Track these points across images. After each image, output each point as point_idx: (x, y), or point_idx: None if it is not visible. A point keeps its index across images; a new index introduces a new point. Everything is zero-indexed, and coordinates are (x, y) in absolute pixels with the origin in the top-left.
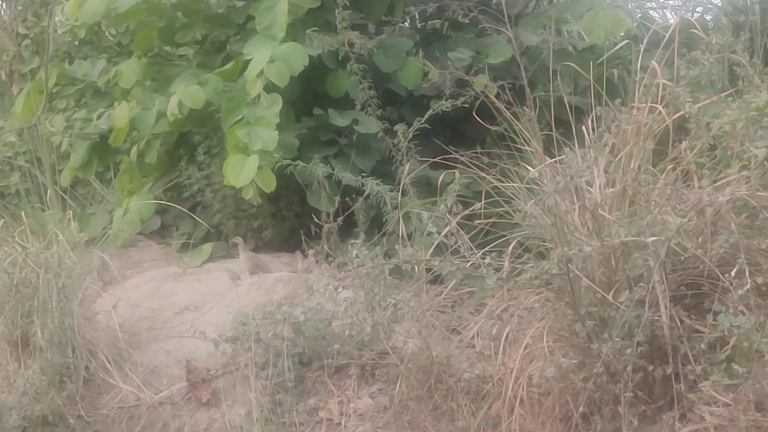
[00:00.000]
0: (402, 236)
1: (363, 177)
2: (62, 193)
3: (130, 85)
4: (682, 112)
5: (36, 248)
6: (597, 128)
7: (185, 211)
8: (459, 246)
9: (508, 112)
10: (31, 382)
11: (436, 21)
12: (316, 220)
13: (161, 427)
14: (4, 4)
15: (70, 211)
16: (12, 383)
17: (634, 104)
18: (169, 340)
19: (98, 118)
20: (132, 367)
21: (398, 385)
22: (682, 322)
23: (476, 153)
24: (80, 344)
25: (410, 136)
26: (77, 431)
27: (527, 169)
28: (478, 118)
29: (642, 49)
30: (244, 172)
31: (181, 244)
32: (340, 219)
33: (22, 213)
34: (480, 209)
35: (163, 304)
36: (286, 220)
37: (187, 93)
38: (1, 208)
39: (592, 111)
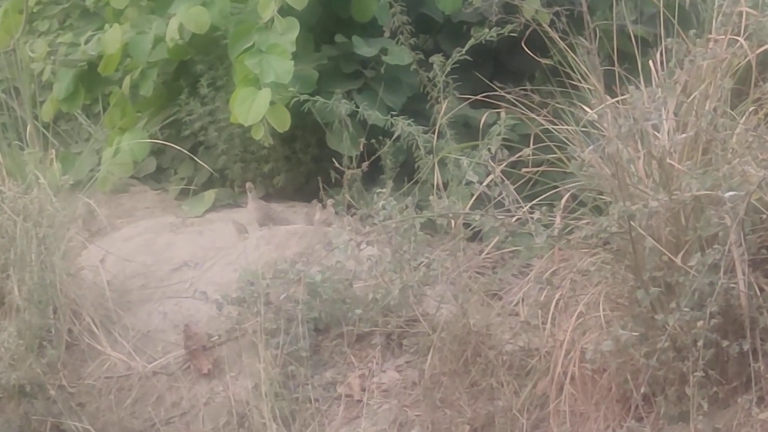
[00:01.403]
0: (436, 186)
1: (392, 116)
2: (43, 129)
3: (124, 5)
4: (767, 46)
5: (13, 192)
6: (666, 63)
7: (185, 152)
8: (503, 198)
9: (562, 43)
10: (6, 346)
11: None
12: (336, 164)
13: (155, 400)
14: None
15: (53, 150)
16: None
17: (710, 36)
18: (164, 300)
19: (86, 42)
20: (122, 331)
21: (429, 357)
22: (762, 290)
23: (524, 90)
24: (63, 304)
25: (448, 69)
26: (59, 403)
27: (584, 109)
28: (527, 50)
29: None
30: (254, 107)
31: (180, 190)
32: (364, 164)
33: None
34: (528, 155)
35: (159, 259)
36: (302, 165)
37: (189, 15)
38: None
39: (660, 43)
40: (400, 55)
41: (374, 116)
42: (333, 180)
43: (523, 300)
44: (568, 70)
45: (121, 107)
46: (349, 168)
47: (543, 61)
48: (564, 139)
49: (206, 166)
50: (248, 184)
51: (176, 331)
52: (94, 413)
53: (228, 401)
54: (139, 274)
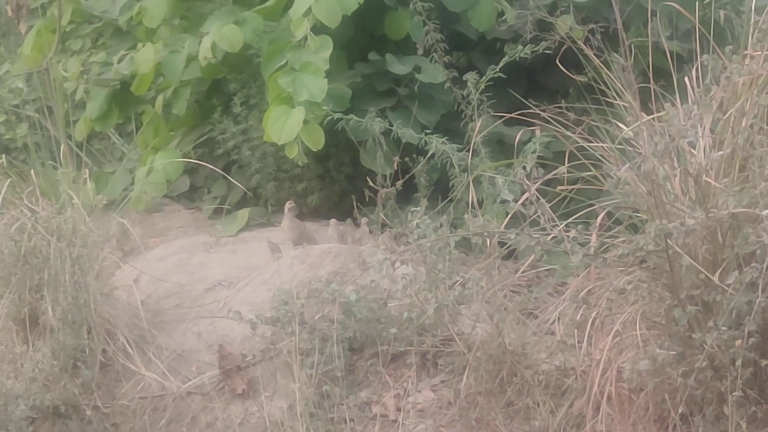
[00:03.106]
0: (471, 204)
1: (426, 134)
2: (77, 149)
3: (156, 24)
4: None
5: (47, 212)
6: (702, 80)
7: (218, 171)
8: (538, 216)
9: (596, 60)
10: (41, 367)
11: None
12: (370, 183)
13: (189, 420)
14: None
15: (86, 170)
16: (19, 368)
17: (746, 52)
18: (198, 320)
19: (119, 61)
20: (156, 351)
21: (465, 376)
22: None
23: (559, 107)
24: (97, 324)
25: (482, 86)
26: (93, 423)
27: (619, 127)
28: (561, 67)
29: None
30: (288, 126)
31: (214, 209)
32: (399, 183)
33: (31, 171)
34: (563, 173)
35: (193, 278)
36: (336, 183)
37: (221, 33)
38: (7, 165)
39: (696, 59)
40: (434, 72)
41: (408, 134)
42: (367, 198)
43: (559, 319)
44: (603, 87)
45: (154, 126)
46: (383, 186)
47: (577, 78)
48: (599, 157)
49: (240, 185)
50: (289, 203)
51: (210, 351)
52: None
53: (263, 421)
54: (173, 293)
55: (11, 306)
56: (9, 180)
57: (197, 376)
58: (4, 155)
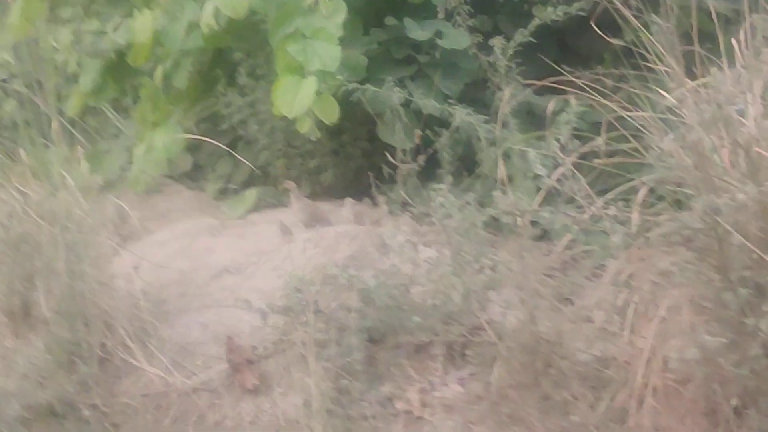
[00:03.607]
0: (500, 180)
1: (449, 104)
2: (69, 126)
3: None
4: None
5: (38, 195)
6: (752, 42)
7: (223, 147)
8: (574, 193)
9: (635, 22)
10: (34, 362)
11: None
12: (389, 158)
13: (196, 419)
14: None
15: (80, 148)
16: (11, 364)
17: None
18: (204, 310)
19: (114, 30)
20: (158, 345)
21: (496, 368)
22: None
23: (595, 74)
24: (94, 316)
25: (510, 52)
26: (92, 424)
27: (661, 94)
28: (596, 29)
29: None
30: (299, 98)
31: (219, 189)
32: (420, 158)
33: (21, 150)
34: (600, 146)
35: (197, 265)
36: (351, 160)
37: None
38: None
39: (744, 20)
40: (457, 38)
41: (430, 105)
42: (385, 176)
43: (597, 304)
44: (643, 51)
45: (152, 100)
46: (403, 162)
47: (614, 41)
48: (640, 127)
49: (247, 163)
50: (290, 183)
51: (218, 343)
52: None
53: (276, 419)
54: (176, 281)
55: (1, 297)
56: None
57: (203, 371)
58: None
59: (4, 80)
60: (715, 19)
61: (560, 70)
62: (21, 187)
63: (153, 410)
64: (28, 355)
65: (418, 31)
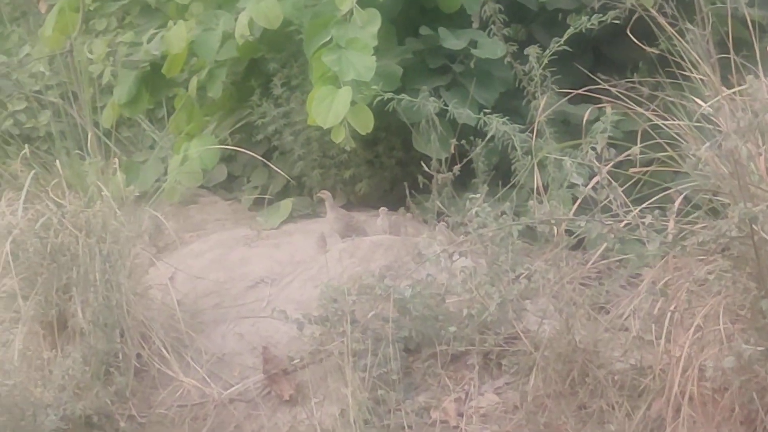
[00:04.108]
0: (536, 189)
1: (484, 114)
2: (104, 137)
3: (188, 0)
4: None
5: (74, 206)
6: None
7: (258, 158)
8: (610, 201)
9: (670, 29)
10: (71, 373)
11: None
12: (424, 168)
13: (233, 429)
14: None
15: (115, 159)
16: (48, 375)
17: None
18: (240, 320)
19: (148, 41)
20: (195, 355)
21: (532, 378)
22: None
23: (630, 82)
24: (130, 326)
25: (545, 61)
26: None
27: (697, 102)
28: (632, 38)
29: None
30: (334, 108)
31: (254, 200)
32: (455, 167)
33: (56, 162)
34: (636, 154)
35: (233, 275)
36: (386, 169)
37: (259, 9)
38: (30, 156)
39: None
40: (492, 47)
41: (465, 115)
42: (421, 185)
43: (634, 313)
44: (678, 60)
45: (187, 111)
46: (438, 172)
47: (649, 50)
48: (675, 136)
49: (282, 173)
50: (325, 193)
51: (254, 354)
52: None
53: (312, 429)
54: (212, 292)
55: (38, 308)
56: (33, 172)
57: (240, 382)
58: (26, 145)
59: (39, 92)
60: (751, 27)
61: (595, 78)
62: (57, 199)
63: (190, 421)
64: (64, 366)
65: (452, 41)
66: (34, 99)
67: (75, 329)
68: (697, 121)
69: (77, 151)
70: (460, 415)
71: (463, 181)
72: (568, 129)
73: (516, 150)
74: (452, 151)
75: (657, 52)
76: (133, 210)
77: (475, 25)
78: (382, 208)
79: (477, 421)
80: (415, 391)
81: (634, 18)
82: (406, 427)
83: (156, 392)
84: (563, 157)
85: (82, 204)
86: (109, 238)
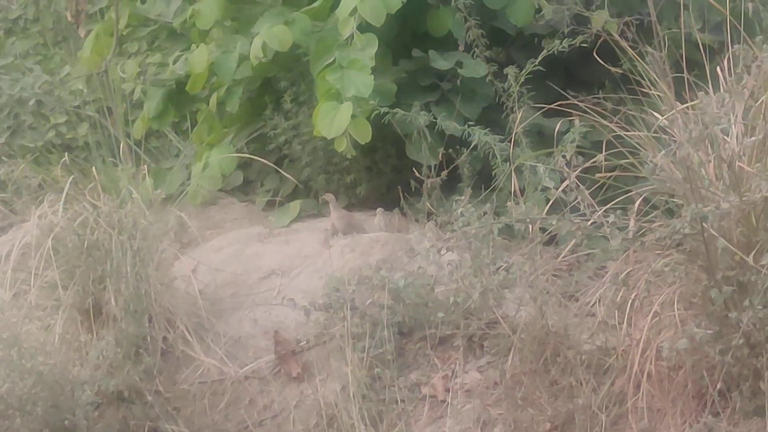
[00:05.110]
0: (513, 192)
1: (469, 126)
2: (135, 147)
3: (209, 26)
4: None
5: (108, 207)
6: (734, 69)
7: (271, 165)
8: (578, 203)
9: (632, 52)
10: (105, 354)
11: None
12: (416, 174)
13: (247, 403)
14: None
15: (145, 166)
16: (84, 356)
17: None
18: (254, 307)
19: (174, 62)
20: (214, 338)
21: (510, 357)
22: None
23: (596, 98)
24: (157, 313)
25: (522, 79)
26: (155, 408)
27: (655, 116)
28: (598, 59)
29: None
30: (337, 121)
31: (267, 201)
32: (443, 173)
33: (93, 168)
34: (601, 161)
35: (248, 268)
36: (383, 175)
37: (271, 34)
38: (70, 164)
39: (727, 50)
40: (475, 67)
41: (451, 127)
42: (413, 189)
43: (599, 301)
44: (638, 78)
45: (208, 124)
46: (428, 177)
47: (613, 69)
48: (636, 145)
49: (291, 178)
50: (329, 195)
51: (266, 337)
52: (189, 417)
53: (317, 403)
54: (230, 282)
55: (76, 297)
56: (72, 177)
57: (254, 361)
58: (66, 154)
59: (77, 106)
60: (702, 50)
61: (566, 95)
62: (93, 201)
63: (210, 396)
64: (99, 348)
65: (441, 62)
66: (73, 113)
67: (108, 315)
68: (655, 132)
69: (111, 159)
70: (447, 390)
71: (450, 185)
72: (542, 139)
73: (496, 158)
74: (440, 159)
75: (620, 71)
76: (160, 211)
77: (461, 47)
78: (379, 208)
79: (462, 396)
80: (407, 370)
81: (599, 42)
82: (400, 401)
83: (180, 371)
84: (537, 164)
85: (115, 205)
86: (138, 235)
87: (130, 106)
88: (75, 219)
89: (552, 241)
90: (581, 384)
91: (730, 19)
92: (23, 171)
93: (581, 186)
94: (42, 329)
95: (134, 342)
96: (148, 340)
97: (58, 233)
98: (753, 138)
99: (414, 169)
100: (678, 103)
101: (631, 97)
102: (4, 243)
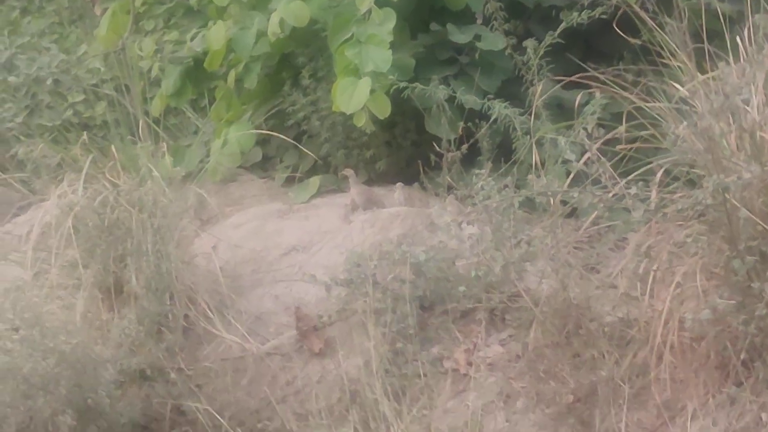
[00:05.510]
0: (534, 165)
1: (488, 99)
2: (153, 124)
3: (226, 2)
4: None
5: (128, 185)
6: (754, 39)
7: (290, 141)
8: (599, 175)
9: (651, 23)
10: (127, 332)
11: None
12: (435, 148)
13: (270, 380)
14: None
15: (163, 144)
16: (106, 334)
17: None
18: (275, 284)
19: (191, 39)
20: (236, 315)
21: (532, 330)
22: None
23: (616, 70)
24: (178, 290)
25: (541, 52)
26: (178, 385)
27: (675, 87)
28: (617, 30)
29: None
30: (355, 96)
31: (286, 177)
32: (463, 147)
33: (112, 147)
34: (622, 133)
35: (268, 244)
36: (402, 149)
37: (289, 9)
38: (89, 142)
39: (747, 20)
40: (494, 40)
41: (471, 100)
42: (433, 163)
43: (621, 273)
44: (658, 49)
45: (227, 100)
46: (448, 151)
47: (633, 41)
48: (657, 116)
49: (310, 154)
50: (348, 170)
51: (288, 313)
52: (212, 394)
53: (340, 379)
54: (250, 259)
55: (97, 276)
56: (91, 156)
57: (276, 338)
58: (85, 133)
59: (95, 85)
60: (722, 20)
61: (586, 67)
62: (113, 179)
63: (232, 372)
64: (121, 326)
65: (459, 35)
66: (91, 92)
67: (130, 294)
68: (676, 103)
69: (130, 137)
70: (470, 364)
71: (470, 159)
72: (562, 112)
73: (516, 131)
74: (460, 133)
75: (640, 42)
76: (179, 188)
77: (479, 21)
78: (398, 183)
79: (484, 369)
80: (429, 344)
81: (619, 13)
82: (422, 375)
83: (202, 348)
84: (558, 137)
85: (134, 183)
86: (159, 213)
87: (147, 84)
88: (95, 198)
89: (573, 213)
90: (603, 356)
91: None
92: (42, 150)
93: (602, 158)
94: (63, 308)
95: (156, 320)
96: (170, 317)
97: (78, 212)
98: None
99: (433, 143)
100: (698, 74)
101: (651, 68)
102: (24, 223)
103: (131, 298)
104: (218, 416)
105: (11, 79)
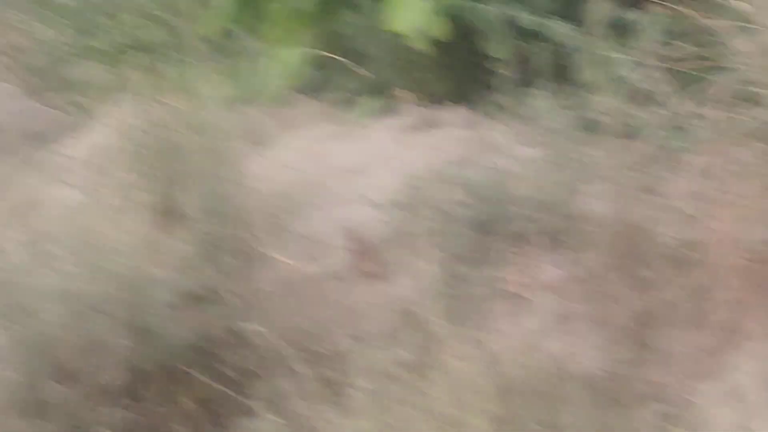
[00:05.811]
0: (592, 85)
1: (546, 18)
2: (208, 47)
3: None
4: None
5: (183, 107)
6: None
7: (344, 62)
8: (659, 94)
9: None
10: (182, 254)
11: None
12: (491, 69)
13: (324, 302)
14: None
15: (218, 66)
16: (160, 256)
17: None
18: (329, 206)
19: None
20: (289, 237)
21: (590, 252)
22: None
23: None
24: (233, 213)
25: None
26: (231, 307)
27: (738, 1)
28: None
29: None
30: (410, 16)
31: (340, 99)
32: (519, 67)
33: (166, 69)
34: (683, 51)
35: (322, 166)
36: (457, 70)
37: None
38: (143, 64)
39: None
40: None
41: (526, 19)
42: (488, 84)
43: (680, 194)
44: None
45: (281, 22)
46: (503, 71)
47: None
48: (719, 34)
49: (366, 74)
50: (403, 92)
51: (342, 235)
52: (266, 316)
53: (394, 300)
54: (304, 181)
55: (151, 197)
56: (146, 78)
57: (330, 259)
58: (139, 54)
59: (150, 8)
60: None
61: None
62: (167, 101)
63: (286, 294)
64: (175, 248)
65: None
66: (145, 14)
67: (184, 216)
68: (738, 19)
69: (185, 59)
70: (526, 286)
71: (526, 80)
72: (620, 30)
73: (574, 50)
74: (515, 52)
75: None
76: (232, 110)
77: None
78: (454, 104)
79: (540, 291)
80: (486, 266)
81: None
82: (477, 298)
83: (256, 270)
84: (617, 55)
85: (189, 105)
86: (213, 135)
87: (201, 6)
88: (149, 119)
89: (631, 134)
90: (663, 278)
91: None
92: (96, 72)
93: (662, 77)
94: (118, 230)
95: (210, 242)
96: (224, 240)
97: (133, 134)
98: None
99: (488, 63)
100: None
101: None
102: (77, 145)
103: (185, 220)
104: (273, 338)
105: (67, 1)
